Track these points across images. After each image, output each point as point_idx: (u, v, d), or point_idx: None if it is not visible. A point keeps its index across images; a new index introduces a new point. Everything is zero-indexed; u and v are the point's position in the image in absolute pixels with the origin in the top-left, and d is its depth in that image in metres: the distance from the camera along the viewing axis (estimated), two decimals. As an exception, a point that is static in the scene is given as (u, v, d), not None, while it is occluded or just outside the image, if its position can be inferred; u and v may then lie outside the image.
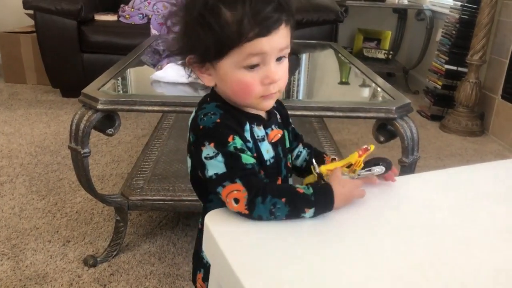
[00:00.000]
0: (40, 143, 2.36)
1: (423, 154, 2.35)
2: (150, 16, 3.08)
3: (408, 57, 3.94)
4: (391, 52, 3.73)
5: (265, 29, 0.70)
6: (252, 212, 0.69)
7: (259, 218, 0.69)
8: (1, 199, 1.83)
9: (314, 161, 0.81)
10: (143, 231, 1.65)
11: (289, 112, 1.30)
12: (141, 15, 3.12)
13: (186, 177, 1.27)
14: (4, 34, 3.34)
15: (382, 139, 1.34)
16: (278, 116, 0.87)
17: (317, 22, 2.86)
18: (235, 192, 0.70)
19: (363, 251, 0.62)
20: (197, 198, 0.88)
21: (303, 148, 0.94)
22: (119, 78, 1.51)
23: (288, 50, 0.76)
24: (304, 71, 2.02)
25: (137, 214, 1.74)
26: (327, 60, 2.27)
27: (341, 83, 1.87)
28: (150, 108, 1.28)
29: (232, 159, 0.72)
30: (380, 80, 1.63)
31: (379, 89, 1.53)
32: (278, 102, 0.90)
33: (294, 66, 2.02)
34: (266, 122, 0.82)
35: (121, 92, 1.45)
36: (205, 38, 0.72)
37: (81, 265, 1.45)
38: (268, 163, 0.81)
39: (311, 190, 0.71)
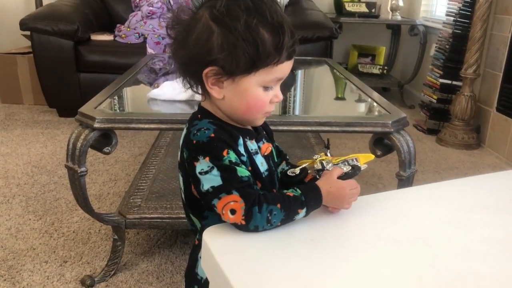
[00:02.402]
0: (36, 163, 2.35)
1: (420, 168, 2.35)
2: (146, 36, 3.10)
3: (402, 72, 3.97)
4: (385, 67, 3.76)
5: (291, 55, 0.77)
6: (249, 223, 0.69)
7: (255, 229, 0.69)
8: (-3, 220, 1.81)
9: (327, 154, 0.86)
10: (140, 249, 1.64)
11: (286, 128, 1.32)
12: (137, 35, 3.14)
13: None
14: (0, 55, 3.35)
15: (379, 153, 1.34)
16: (264, 132, 0.90)
17: (312, 39, 2.88)
18: (232, 203, 0.71)
19: (362, 264, 0.62)
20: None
21: (286, 166, 0.95)
22: (116, 97, 1.52)
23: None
24: (300, 87, 2.03)
25: (134, 233, 1.73)
26: (322, 76, 2.29)
27: (337, 98, 1.88)
28: (147, 126, 1.28)
29: (228, 172, 0.73)
30: (375, 94, 1.64)
31: (375, 103, 1.54)
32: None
33: (290, 82, 2.04)
34: (257, 136, 0.85)
35: (118, 110, 1.46)
36: (240, 52, 0.72)
37: (78, 285, 1.44)
38: (263, 175, 0.83)
39: (299, 191, 0.74)
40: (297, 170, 0.86)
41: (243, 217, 0.69)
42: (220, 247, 0.67)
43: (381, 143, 1.35)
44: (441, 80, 2.95)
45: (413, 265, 0.63)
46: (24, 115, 3.16)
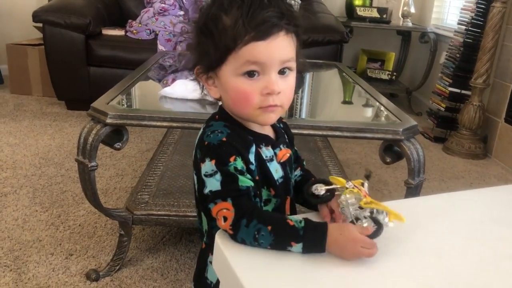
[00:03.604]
0: (44, 155, 2.36)
1: (426, 176, 2.33)
2: (157, 32, 3.11)
3: (411, 78, 3.97)
4: (394, 73, 3.76)
5: (261, 33, 0.70)
6: (236, 234, 0.69)
7: (243, 242, 0.69)
8: (4, 210, 1.82)
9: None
10: (146, 246, 1.64)
11: (296, 131, 1.32)
12: (148, 31, 3.15)
13: (191, 192, 1.28)
14: (11, 46, 3.37)
15: (388, 160, 1.35)
16: (286, 137, 0.88)
17: (322, 42, 2.89)
18: (224, 210, 0.71)
19: (371, 274, 0.62)
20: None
21: (300, 171, 0.94)
22: (128, 93, 1.53)
23: (292, 64, 0.75)
24: (310, 91, 2.03)
25: (140, 229, 1.73)
26: (332, 79, 2.29)
27: (347, 102, 1.88)
28: (159, 123, 1.29)
29: (229, 179, 0.72)
30: (385, 100, 1.64)
31: (385, 110, 1.54)
32: (284, 124, 0.91)
33: (299, 85, 2.04)
34: (275, 142, 0.83)
35: (130, 107, 1.47)
36: (207, 45, 0.74)
37: (83, 279, 1.45)
38: (277, 182, 0.81)
39: (302, 224, 0.68)
40: (323, 190, 0.76)
41: (231, 227, 0.69)
42: (233, 249, 0.68)
43: (391, 150, 1.36)
44: (450, 89, 2.95)
45: (423, 276, 0.63)
46: (32, 106, 3.17)
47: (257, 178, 0.77)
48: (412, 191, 1.33)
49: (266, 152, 0.80)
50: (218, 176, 0.73)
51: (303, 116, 1.62)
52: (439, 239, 0.74)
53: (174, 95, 1.47)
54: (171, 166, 1.81)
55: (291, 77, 0.76)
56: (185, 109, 1.43)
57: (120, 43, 3.04)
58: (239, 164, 0.73)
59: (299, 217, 0.69)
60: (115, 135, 1.32)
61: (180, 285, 1.45)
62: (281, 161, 0.83)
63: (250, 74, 0.72)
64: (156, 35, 3.10)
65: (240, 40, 0.70)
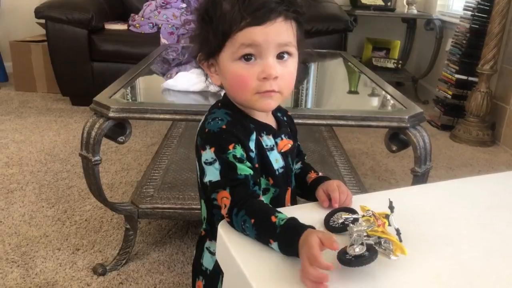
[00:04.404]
0: (50, 151, 2.37)
1: (434, 164, 2.31)
2: (160, 26, 3.10)
3: (417, 66, 3.93)
4: (400, 62, 3.72)
5: (258, 19, 0.69)
6: (231, 222, 0.70)
7: (237, 229, 0.69)
8: (11, 206, 1.83)
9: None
10: (152, 239, 1.64)
11: (300, 121, 1.31)
12: (151, 25, 3.13)
13: (195, 185, 1.27)
14: (15, 43, 3.37)
15: (394, 148, 1.33)
16: (289, 129, 0.87)
17: (327, 31, 2.86)
18: (224, 198, 0.72)
19: (378, 262, 0.61)
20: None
21: (300, 165, 0.93)
22: (130, 87, 1.52)
23: (291, 49, 0.74)
24: (314, 80, 2.01)
25: (146, 223, 1.73)
26: (337, 68, 2.27)
27: (352, 91, 1.86)
28: (161, 116, 1.28)
29: (228, 167, 0.73)
30: (391, 89, 1.62)
31: (390, 98, 1.52)
32: (289, 117, 0.91)
33: (303, 75, 2.02)
34: (276, 131, 0.82)
35: (132, 100, 1.46)
36: (207, 31, 0.74)
37: (90, 273, 1.45)
38: (277, 172, 0.81)
39: (281, 223, 0.64)
40: (341, 220, 0.69)
41: (227, 215, 0.70)
42: (235, 240, 0.67)
43: (397, 138, 1.34)
44: (457, 76, 2.91)
45: (431, 263, 0.62)
46: (37, 102, 3.18)
47: (256, 166, 0.76)
48: (419, 179, 1.31)
49: (267, 141, 0.80)
50: (217, 165, 0.73)
51: (308, 106, 1.60)
52: (446, 226, 0.72)
53: (176, 88, 1.46)
54: (176, 159, 1.81)
55: (291, 62, 0.74)
56: (188, 101, 1.42)
57: (123, 37, 3.03)
58: (239, 151, 0.73)
59: (285, 215, 0.66)
60: (119, 129, 1.32)
61: (187, 277, 1.44)
62: (282, 151, 0.82)
63: (247, 58, 0.71)
64: (159, 28, 3.09)
65: (236, 26, 0.70)
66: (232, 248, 0.65)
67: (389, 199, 0.67)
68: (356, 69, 2.02)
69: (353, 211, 0.71)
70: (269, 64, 0.71)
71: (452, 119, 2.94)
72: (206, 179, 0.74)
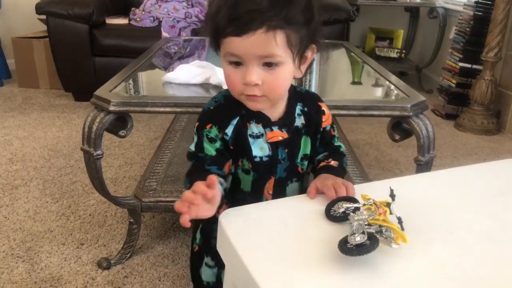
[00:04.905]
0: (53, 147, 2.37)
1: (438, 153, 2.31)
2: (161, 19, 3.08)
3: (421, 55, 3.90)
4: (403, 51, 3.69)
5: (238, 29, 0.70)
6: None
7: None
8: (15, 202, 1.83)
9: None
10: (156, 233, 1.64)
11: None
12: (152, 18, 3.12)
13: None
14: (17, 40, 3.37)
15: (397, 137, 1.32)
16: (302, 121, 0.86)
17: (328, 21, 2.83)
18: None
19: (379, 251, 0.60)
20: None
21: (325, 153, 0.91)
22: (131, 80, 1.51)
23: (277, 59, 0.73)
24: (317, 70, 2.00)
25: (150, 216, 1.73)
26: (340, 59, 2.25)
27: (355, 81, 1.84)
28: (162, 109, 1.27)
29: (198, 144, 0.82)
30: (394, 78, 1.60)
31: (393, 87, 1.51)
32: (316, 108, 0.88)
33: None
34: (269, 121, 0.83)
35: (133, 94, 1.45)
36: (208, 27, 0.78)
37: (95, 267, 1.45)
38: (257, 159, 0.83)
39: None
40: (342, 209, 0.69)
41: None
42: (236, 230, 0.66)
43: (399, 127, 1.33)
44: (461, 64, 2.88)
45: (434, 251, 0.61)
46: (40, 99, 3.18)
47: (231, 148, 0.82)
48: (423, 168, 1.30)
49: (255, 128, 0.83)
50: (195, 138, 0.82)
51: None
52: (449, 214, 0.72)
53: (177, 81, 1.45)
54: (178, 153, 1.80)
55: (280, 70, 0.75)
56: (189, 94, 1.41)
57: (124, 31, 3.02)
58: (213, 132, 0.81)
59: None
60: (120, 123, 1.31)
61: (191, 270, 1.44)
62: (270, 141, 0.84)
63: (236, 62, 0.74)
64: (160, 22, 3.08)
65: (221, 32, 0.73)
66: (233, 239, 0.64)
67: (390, 187, 0.67)
68: (359, 59, 2.00)
69: (354, 200, 0.71)
70: (248, 72, 0.73)
71: (456, 108, 2.92)
72: (190, 146, 0.83)
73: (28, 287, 1.36)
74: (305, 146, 0.88)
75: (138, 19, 3.14)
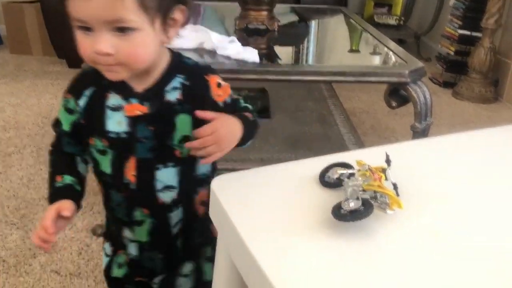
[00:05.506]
0: (47, 114, 2.34)
1: (435, 121, 2.28)
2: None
3: (420, 22, 3.83)
4: (402, 18, 3.63)
5: None
6: None
7: None
8: (9, 169, 1.82)
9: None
10: (151, 200, 1.64)
11: (299, 78, 1.27)
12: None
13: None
14: (7, 4, 3.28)
15: (394, 104, 1.31)
16: (178, 96, 0.74)
17: (327, -14, 2.77)
18: None
19: (374, 217, 0.59)
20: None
21: None
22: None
23: (131, 24, 0.64)
24: (314, 37, 1.96)
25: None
26: (337, 25, 2.20)
27: (353, 48, 1.81)
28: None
29: (59, 114, 0.78)
30: (392, 44, 1.57)
31: (391, 53, 1.48)
32: (201, 82, 0.76)
33: (303, 32, 1.97)
34: (129, 92, 0.73)
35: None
36: None
37: (89, 234, 1.45)
38: (113, 135, 0.74)
39: (57, 185, 0.80)
40: (336, 175, 0.65)
41: None
42: (229, 196, 0.65)
43: (397, 94, 1.31)
44: (460, 31, 2.84)
45: (429, 218, 0.60)
46: (33, 65, 3.13)
47: (82, 122, 0.76)
48: (419, 135, 1.29)
49: (113, 99, 0.74)
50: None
51: (308, 62, 1.56)
52: (445, 181, 0.70)
53: (169, 45, 1.42)
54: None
55: (136, 36, 0.65)
56: (182, 59, 1.38)
57: (117, -4, 2.94)
58: (71, 103, 0.76)
59: (72, 179, 0.79)
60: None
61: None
62: (128, 115, 0.73)
63: (85, 28, 0.64)
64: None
65: None
66: (226, 206, 0.63)
67: (385, 152, 0.65)
68: (357, 25, 1.96)
69: (349, 166, 0.69)
70: (97, 40, 0.64)
71: (454, 76, 2.90)
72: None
73: (23, 253, 1.37)
74: (184, 125, 0.75)
75: (131, -17, 3.05)
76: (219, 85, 0.78)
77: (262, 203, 0.64)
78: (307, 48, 1.78)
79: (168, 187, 0.78)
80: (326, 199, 0.63)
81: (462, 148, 0.83)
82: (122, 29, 0.64)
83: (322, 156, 0.76)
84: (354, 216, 0.56)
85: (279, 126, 1.77)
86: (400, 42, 3.69)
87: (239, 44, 1.37)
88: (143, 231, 0.81)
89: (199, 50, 1.39)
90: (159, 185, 0.77)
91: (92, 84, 0.74)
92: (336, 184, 0.66)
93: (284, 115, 1.87)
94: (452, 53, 2.90)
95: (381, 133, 2.21)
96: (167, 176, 0.77)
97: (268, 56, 1.48)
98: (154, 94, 0.74)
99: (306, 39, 1.88)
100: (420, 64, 1.31)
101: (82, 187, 0.81)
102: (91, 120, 0.75)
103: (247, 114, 0.80)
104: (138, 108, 0.73)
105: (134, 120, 0.73)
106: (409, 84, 1.25)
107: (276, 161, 0.73)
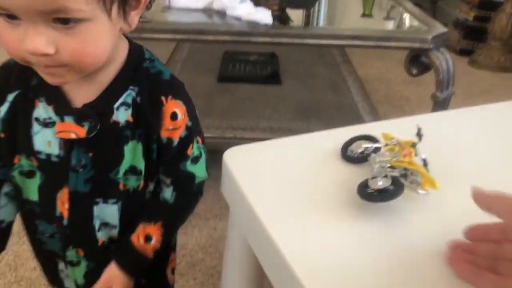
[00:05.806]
0: None
1: (451, 90, 2.22)
2: None
3: (436, -14, 3.68)
4: (418, -19, 3.48)
5: None
6: None
7: None
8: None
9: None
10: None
11: (312, 41, 1.19)
12: None
13: (200, 112, 1.19)
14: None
15: (414, 71, 1.23)
16: (128, 117, 0.57)
17: None
18: None
19: (404, 197, 0.53)
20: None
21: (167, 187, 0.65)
22: (128, 4, 1.40)
23: (80, 13, 0.46)
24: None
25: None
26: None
27: (370, 10, 1.71)
28: (161, 36, 1.18)
29: None
30: (411, 6, 1.49)
31: (412, 17, 1.39)
32: (153, 102, 0.59)
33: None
34: (66, 105, 0.56)
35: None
36: None
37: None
38: (42, 156, 0.58)
39: None
40: (360, 149, 0.60)
41: None
42: (243, 170, 0.60)
43: (417, 61, 1.24)
44: (481, -4, 2.72)
45: (464, 198, 0.55)
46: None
47: (2, 135, 0.58)
48: (439, 105, 1.22)
49: (42, 111, 0.56)
50: None
51: (320, 24, 1.48)
52: (477, 156, 0.64)
53: (177, 5, 1.34)
54: (179, 85, 1.72)
55: (85, 28, 0.47)
56: (190, 20, 1.30)
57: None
58: (3, 109, 0.57)
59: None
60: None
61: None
62: (59, 136, 0.56)
63: (7, 15, 0.46)
64: None
65: None
66: (239, 179, 0.58)
67: (417, 125, 0.59)
68: (373, -14, 1.85)
69: (374, 140, 0.63)
70: (29, 36, 0.46)
71: (472, 43, 2.79)
72: None
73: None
74: (134, 155, 0.59)
75: None
76: (174, 116, 0.60)
77: (278, 178, 0.58)
78: (321, 10, 1.69)
79: (107, 225, 0.63)
80: (349, 175, 0.58)
81: (491, 119, 0.76)
82: (65, 20, 0.46)
83: (341, 127, 0.70)
84: (382, 196, 0.50)
85: (289, 93, 1.70)
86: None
87: (251, 4, 1.29)
88: (80, 272, 0.67)
89: (208, 11, 1.32)
90: (97, 223, 0.62)
91: (17, 86, 0.56)
92: (360, 159, 0.60)
93: (294, 82, 1.79)
94: (471, 19, 2.78)
95: (395, 101, 2.14)
96: (107, 212, 0.62)
97: (280, 18, 1.40)
98: (98, 112, 0.56)
99: (317, 1, 1.78)
100: (443, 29, 1.24)
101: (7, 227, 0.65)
102: (15, 134, 0.57)
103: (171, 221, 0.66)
104: (73, 129, 0.55)
105: (68, 143, 0.56)
106: (431, 50, 1.17)
107: (286, 131, 0.67)
